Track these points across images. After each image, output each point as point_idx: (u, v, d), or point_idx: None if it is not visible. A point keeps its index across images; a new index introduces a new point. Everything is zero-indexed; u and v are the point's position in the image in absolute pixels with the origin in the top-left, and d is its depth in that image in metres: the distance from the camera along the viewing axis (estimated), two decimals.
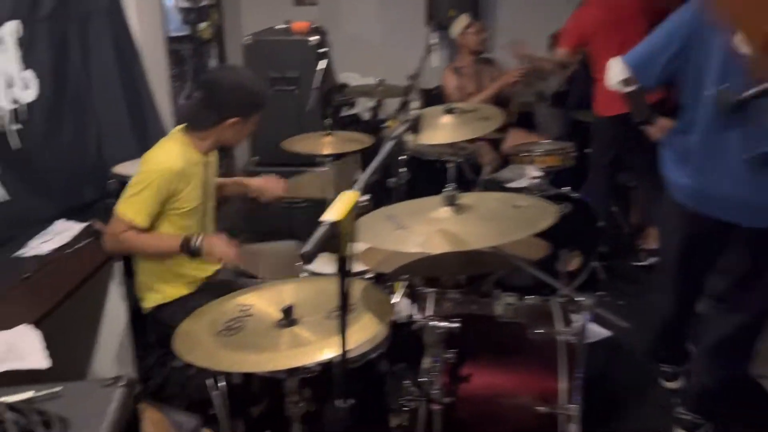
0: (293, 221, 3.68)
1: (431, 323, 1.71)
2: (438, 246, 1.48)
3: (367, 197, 1.08)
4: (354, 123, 4.14)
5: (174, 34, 4.05)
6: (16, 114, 2.49)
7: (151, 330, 2.36)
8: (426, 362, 1.77)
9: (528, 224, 1.51)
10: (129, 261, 2.45)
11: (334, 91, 3.79)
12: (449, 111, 2.54)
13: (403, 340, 2.06)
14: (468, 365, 1.92)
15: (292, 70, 3.49)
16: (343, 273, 1.07)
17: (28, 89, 2.56)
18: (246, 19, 5.27)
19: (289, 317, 1.50)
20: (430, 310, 2.02)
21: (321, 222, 0.98)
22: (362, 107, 4.44)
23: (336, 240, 1.02)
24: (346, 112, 4.23)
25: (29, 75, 2.56)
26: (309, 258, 0.93)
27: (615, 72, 2.32)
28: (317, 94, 3.20)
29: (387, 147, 1.31)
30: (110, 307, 2.57)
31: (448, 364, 1.85)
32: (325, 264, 2.42)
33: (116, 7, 3.09)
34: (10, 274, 2.19)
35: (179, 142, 2.21)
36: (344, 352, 1.14)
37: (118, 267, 2.53)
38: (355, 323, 1.44)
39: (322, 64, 3.11)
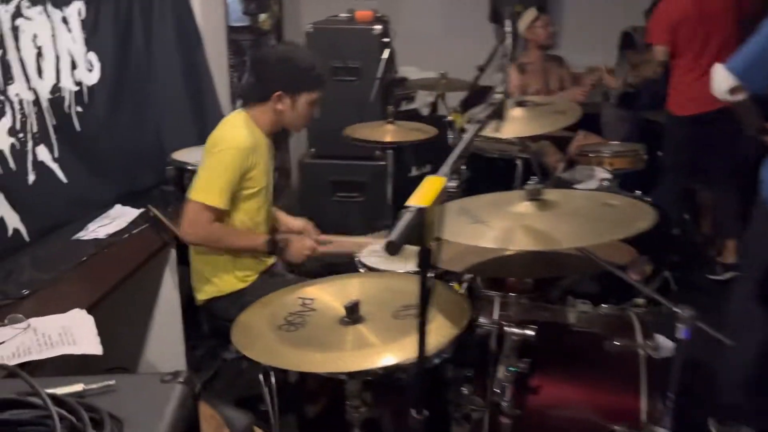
0: (349, 216, 3.59)
1: (507, 329, 1.57)
2: (521, 243, 1.35)
3: (454, 183, 0.95)
4: (413, 118, 4.01)
5: (234, 24, 4.02)
6: (78, 96, 2.46)
7: (204, 322, 2.28)
8: (499, 371, 1.63)
9: (624, 225, 1.36)
10: (183, 249, 2.40)
11: (394, 83, 3.69)
12: (520, 104, 2.39)
13: (466, 345, 1.93)
14: (539, 376, 1.77)
15: (354, 60, 3.40)
16: (425, 267, 0.94)
17: (91, 72, 2.54)
18: (305, 10, 5.22)
19: (353, 314, 1.39)
20: (495, 315, 1.89)
21: (406, 208, 0.86)
22: (421, 102, 4.31)
23: (419, 230, 0.90)
24: (404, 107, 4.11)
25: (93, 57, 2.54)
26: (395, 248, 0.81)
27: (720, 80, 2.12)
28: (379, 85, 3.09)
29: (472, 131, 1.18)
30: (164, 295, 2.53)
31: (519, 374, 1.71)
32: (383, 259, 2.32)
33: None
34: (69, 257, 2.16)
35: (243, 121, 2.14)
36: (422, 359, 1.01)
37: (172, 255, 2.48)
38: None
39: (385, 54, 3.00)
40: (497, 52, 2.63)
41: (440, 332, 1.34)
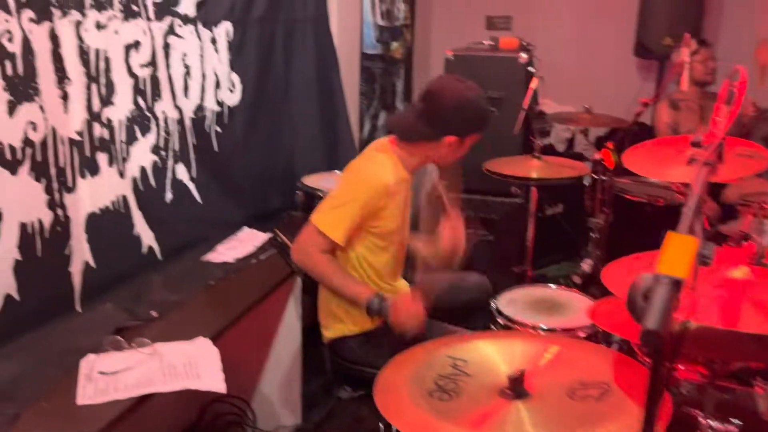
0: (477, 256, 3.36)
1: (706, 422, 1.28)
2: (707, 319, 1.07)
3: (710, 250, 0.72)
4: (548, 154, 3.76)
5: (367, 51, 3.97)
6: (218, 116, 2.44)
7: (328, 359, 2.14)
8: None
9: None
10: (309, 278, 2.29)
11: (534, 116, 3.46)
12: (697, 145, 2.07)
13: None
14: None
15: (497, 90, 3.20)
16: (661, 355, 0.71)
17: (232, 92, 2.52)
18: (435, 41, 5.13)
19: (518, 387, 1.16)
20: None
21: (659, 278, 0.63)
22: (557, 137, 4.04)
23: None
24: (539, 141, 3.86)
25: (235, 78, 2.52)
26: (659, 340, 0.59)
27: None
28: (524, 116, 2.88)
29: (702, 174, 0.94)
30: (286, 324, 2.43)
31: None
32: (522, 309, 2.08)
33: (322, 16, 3.02)
34: (198, 279, 2.12)
35: (389, 156, 1.99)
36: None
37: (298, 283, 2.38)
38: (612, 413, 1.06)
39: (533, 84, 2.79)
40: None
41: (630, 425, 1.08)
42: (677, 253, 0.67)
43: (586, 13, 4.93)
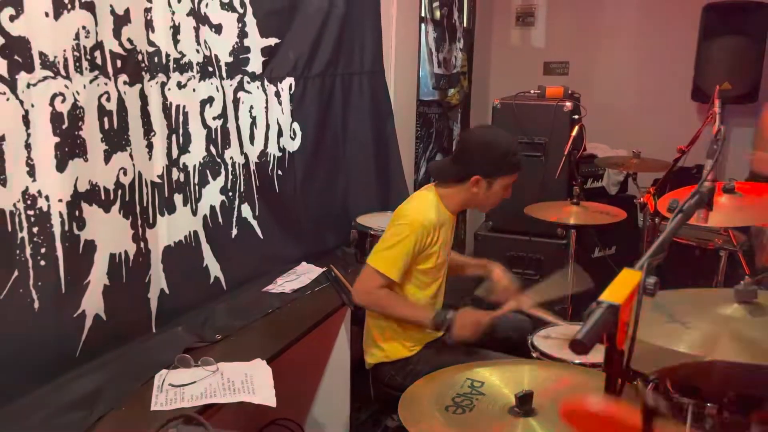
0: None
1: None
2: (727, 352, 1.18)
3: (653, 280, 0.87)
4: (599, 196, 3.84)
5: (424, 98, 4.20)
6: (280, 161, 2.71)
7: (371, 385, 2.31)
8: None
9: None
10: (358, 310, 2.47)
11: (582, 161, 3.57)
12: (729, 190, 2.15)
13: None
14: None
15: (541, 136, 3.36)
16: (614, 369, 0.86)
17: (293, 139, 2.79)
18: (493, 87, 5.31)
19: (525, 406, 1.31)
20: (687, 427, 1.66)
21: (597, 303, 0.79)
22: (609, 180, 4.12)
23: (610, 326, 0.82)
24: (591, 184, 3.95)
25: (296, 126, 2.79)
26: (583, 349, 0.75)
27: None
28: (565, 162, 3.01)
29: (674, 221, 1.08)
30: (336, 353, 2.60)
31: None
32: (558, 344, 2.19)
33: (378, 69, 3.28)
34: (258, 308, 2.34)
35: (432, 198, 2.18)
36: None
37: (348, 315, 2.56)
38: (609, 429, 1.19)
39: (575, 131, 2.93)
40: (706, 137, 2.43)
41: None
42: (621, 284, 0.82)
43: (643, 58, 5.00)
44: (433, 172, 2.24)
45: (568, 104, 3.35)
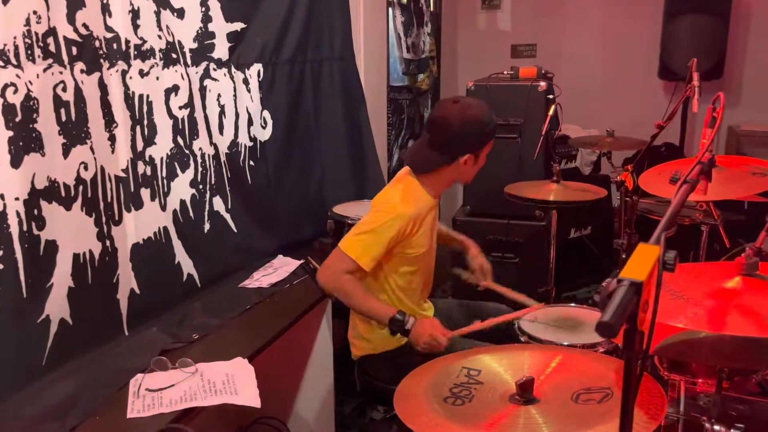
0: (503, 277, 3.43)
1: (707, 425, 1.33)
2: (731, 326, 1.14)
3: (672, 254, 0.81)
4: (573, 177, 3.82)
5: (394, 83, 4.13)
6: (252, 151, 2.60)
7: (357, 378, 2.24)
8: None
9: None
10: (339, 302, 2.40)
11: (556, 141, 3.54)
12: (712, 164, 2.13)
13: None
14: None
15: (516, 117, 3.31)
16: (631, 351, 0.80)
17: (264, 128, 2.68)
18: (462, 71, 5.27)
19: (526, 393, 1.25)
20: (681, 404, 1.64)
21: (620, 281, 0.73)
22: (582, 161, 4.11)
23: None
24: (565, 165, 3.93)
25: (267, 115, 2.69)
26: (612, 331, 0.68)
27: None
28: (542, 143, 2.97)
29: (680, 192, 1.03)
30: (318, 346, 2.53)
31: None
32: (545, 327, 2.15)
33: (349, 55, 3.18)
34: (235, 304, 2.24)
35: (414, 185, 2.10)
36: None
37: (329, 307, 2.49)
38: (611, 413, 1.14)
39: (551, 110, 2.88)
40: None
41: (634, 425, 1.15)
42: (640, 260, 0.76)
43: (610, 38, 5.01)
44: (412, 163, 2.14)
45: (543, 84, 3.30)
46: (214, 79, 2.37)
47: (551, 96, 3.32)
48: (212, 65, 2.35)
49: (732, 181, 2.17)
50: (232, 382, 1.72)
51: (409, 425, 1.20)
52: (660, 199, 3.08)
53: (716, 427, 1.32)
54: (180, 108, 2.19)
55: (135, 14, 1.97)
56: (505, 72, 3.48)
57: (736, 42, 4.64)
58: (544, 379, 1.32)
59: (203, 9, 2.28)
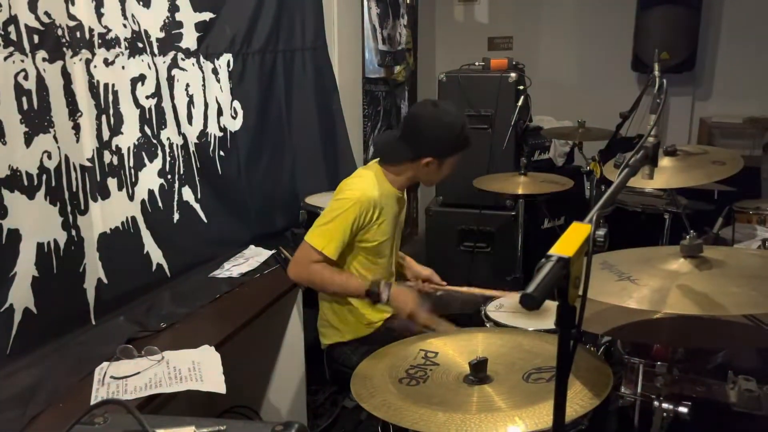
0: (475, 266, 3.47)
1: (656, 403, 1.37)
2: (677, 306, 1.18)
3: (603, 232, 0.84)
4: (547, 168, 3.86)
5: (370, 75, 4.13)
6: (222, 141, 2.60)
7: (327, 367, 2.26)
8: None
9: None
10: (309, 291, 2.41)
11: (529, 133, 3.57)
12: (671, 153, 2.18)
13: (604, 416, 1.73)
14: None
15: (487, 108, 3.33)
16: (566, 326, 0.83)
17: (235, 119, 2.68)
18: (439, 63, 5.29)
19: (480, 373, 1.28)
20: (639, 385, 1.68)
21: (547, 257, 0.76)
22: (556, 152, 4.15)
23: (559, 282, 0.79)
24: (538, 157, 3.97)
25: (237, 105, 2.69)
26: (534, 303, 0.71)
27: None
28: (512, 134, 3.00)
29: (622, 175, 1.06)
30: (289, 336, 2.54)
31: None
32: (511, 314, 2.18)
33: (321, 45, 3.19)
34: (204, 294, 2.25)
35: (375, 173, 2.12)
36: (559, 430, 0.88)
37: (299, 296, 2.50)
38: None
39: (520, 101, 2.91)
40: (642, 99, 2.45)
41: (578, 401, 1.19)
42: (571, 237, 0.79)
43: (585, 31, 5.07)
44: (380, 151, 2.17)
45: (513, 75, 3.33)
46: (182, 69, 2.36)
47: (521, 87, 3.35)
48: (180, 55, 2.35)
49: (693, 169, 2.23)
50: (198, 369, 1.73)
51: (363, 405, 1.23)
52: (631, 188, 3.13)
53: (665, 405, 1.36)
54: (147, 97, 2.18)
55: (99, 2, 1.96)
56: (477, 63, 3.50)
57: (708, 34, 4.71)
58: (498, 360, 1.35)
59: None
